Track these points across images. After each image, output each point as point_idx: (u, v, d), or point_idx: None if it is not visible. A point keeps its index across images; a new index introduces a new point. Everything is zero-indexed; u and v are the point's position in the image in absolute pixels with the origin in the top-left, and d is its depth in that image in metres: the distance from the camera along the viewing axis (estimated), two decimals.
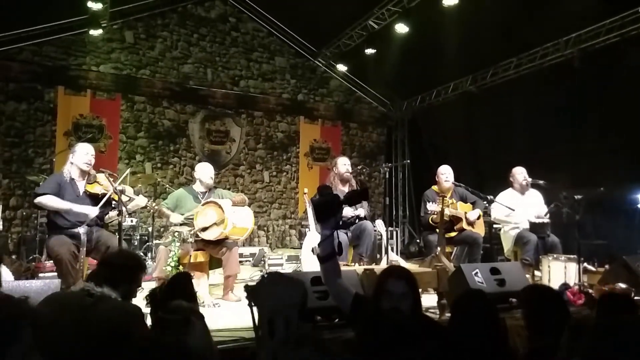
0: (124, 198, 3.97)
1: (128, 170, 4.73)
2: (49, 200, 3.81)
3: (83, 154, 3.99)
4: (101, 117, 7.56)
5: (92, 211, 3.86)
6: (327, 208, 1.96)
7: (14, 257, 5.91)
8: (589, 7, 5.99)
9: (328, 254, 2.00)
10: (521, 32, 6.68)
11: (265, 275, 1.85)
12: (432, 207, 4.87)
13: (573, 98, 6.49)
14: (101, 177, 4.04)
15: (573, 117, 6.53)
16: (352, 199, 2.09)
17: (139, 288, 2.38)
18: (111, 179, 3.94)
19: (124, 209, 3.79)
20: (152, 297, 2.12)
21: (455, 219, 5.10)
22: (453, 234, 5.12)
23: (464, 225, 5.12)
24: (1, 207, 6.16)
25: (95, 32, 7.24)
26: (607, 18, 6.07)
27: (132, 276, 2.26)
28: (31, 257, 5.92)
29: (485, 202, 5.32)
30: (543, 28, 6.51)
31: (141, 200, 4.18)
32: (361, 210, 5.12)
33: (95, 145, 7.30)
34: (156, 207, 4.51)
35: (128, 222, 6.25)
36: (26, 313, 1.09)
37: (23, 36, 6.96)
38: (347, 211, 4.99)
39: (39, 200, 3.82)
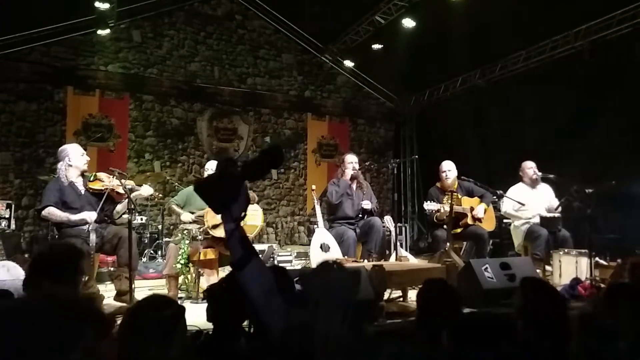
0: (128, 188, 3.97)
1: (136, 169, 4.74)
2: (50, 214, 3.80)
3: (79, 155, 4.00)
4: (110, 116, 7.61)
5: (91, 216, 3.80)
6: (220, 189, 1.34)
7: (26, 255, 5.97)
8: None
9: (240, 257, 1.36)
10: (530, 24, 6.60)
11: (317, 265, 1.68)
12: (429, 206, 4.91)
13: (584, 91, 6.41)
14: (101, 174, 4.06)
15: (584, 110, 6.44)
16: (256, 168, 1.41)
17: (84, 276, 2.33)
18: (120, 177, 3.95)
19: (132, 204, 3.81)
20: (210, 293, 2.08)
21: (460, 215, 5.07)
22: (458, 230, 5.09)
23: (469, 220, 5.09)
24: (13, 207, 6.25)
25: (103, 32, 7.29)
26: (618, 9, 5.97)
27: (72, 268, 2.12)
28: None
29: (494, 197, 5.28)
30: (552, 20, 6.43)
31: (145, 190, 4.16)
32: (368, 204, 5.11)
33: (104, 144, 7.49)
34: (173, 209, 4.52)
35: (138, 219, 6.29)
36: (89, 313, 1.06)
37: (33, 37, 7.02)
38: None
39: (43, 214, 3.82)
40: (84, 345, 1.02)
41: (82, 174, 4.02)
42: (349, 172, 5.17)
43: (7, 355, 0.94)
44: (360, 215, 5.14)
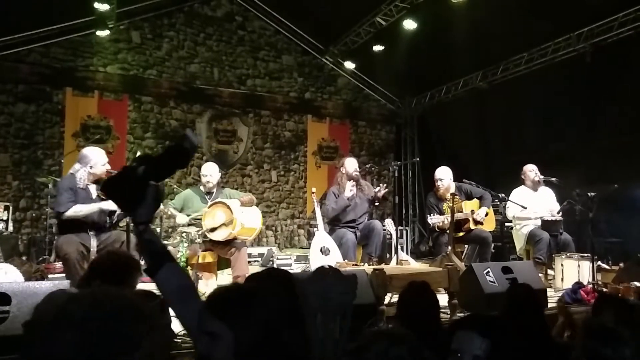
0: None
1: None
2: (77, 211, 3.79)
3: (102, 163, 4.01)
4: (109, 118, 7.57)
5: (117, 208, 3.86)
6: (124, 190, 1.21)
7: (24, 258, 5.93)
8: (601, 1, 5.88)
9: (150, 262, 1.23)
10: (532, 26, 6.58)
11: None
12: (433, 220, 4.89)
13: (586, 93, 6.39)
14: None
15: (586, 113, 6.42)
16: (160, 167, 1.26)
17: (135, 290, 2.29)
18: None
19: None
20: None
21: (462, 220, 5.03)
22: (461, 234, 5.05)
23: (471, 225, 5.05)
24: (11, 209, 6.21)
25: (102, 33, 7.25)
26: (621, 11, 5.95)
27: (124, 278, 2.13)
28: (41, 259, 5.95)
29: (496, 200, 5.24)
30: (554, 22, 6.41)
31: None
32: (379, 189, 5.03)
33: (103, 146, 7.34)
34: (168, 212, 4.49)
35: None
36: (146, 317, 0.97)
37: (31, 38, 6.99)
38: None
39: (68, 215, 3.77)
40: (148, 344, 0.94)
41: (97, 180, 4.04)
42: (348, 190, 5.04)
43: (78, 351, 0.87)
44: (371, 206, 5.14)
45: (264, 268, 6.46)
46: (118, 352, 0.89)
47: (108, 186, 1.25)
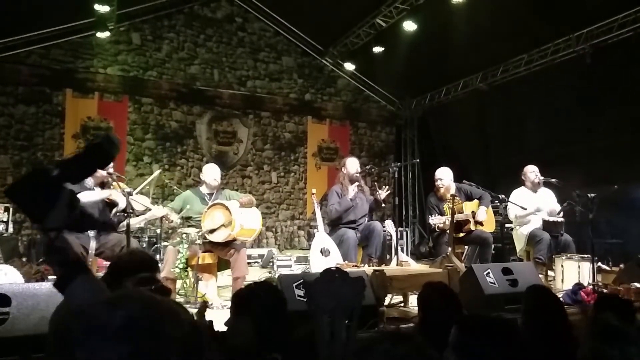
0: (140, 207, 3.98)
1: (157, 172, 4.77)
2: (83, 197, 3.70)
3: (110, 165, 3.99)
4: (109, 119, 7.57)
5: (122, 199, 3.86)
6: (32, 194, 1.09)
7: (24, 259, 5.92)
8: (601, 2, 5.89)
9: (60, 275, 1.11)
10: (532, 28, 6.59)
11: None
12: (434, 220, 4.90)
13: (586, 94, 6.39)
14: (118, 184, 4.03)
15: (586, 114, 6.43)
16: (78, 167, 1.17)
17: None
18: (119, 182, 3.95)
19: (131, 207, 3.79)
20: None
21: (463, 221, 5.03)
22: (461, 234, 5.05)
23: (472, 226, 5.05)
24: (11, 210, 6.21)
25: (102, 35, 7.25)
26: (620, 12, 5.96)
27: (150, 276, 2.15)
28: (41, 260, 5.92)
29: (496, 201, 5.24)
30: (554, 24, 6.42)
31: (158, 211, 4.19)
32: (381, 193, 4.99)
33: None
34: (172, 221, 4.47)
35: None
36: (184, 320, 0.91)
37: (32, 40, 7.00)
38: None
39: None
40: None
41: (102, 183, 4.03)
42: (352, 190, 5.06)
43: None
44: (368, 211, 5.12)
45: (264, 269, 6.47)
46: (163, 355, 0.86)
47: (13, 190, 1.10)
